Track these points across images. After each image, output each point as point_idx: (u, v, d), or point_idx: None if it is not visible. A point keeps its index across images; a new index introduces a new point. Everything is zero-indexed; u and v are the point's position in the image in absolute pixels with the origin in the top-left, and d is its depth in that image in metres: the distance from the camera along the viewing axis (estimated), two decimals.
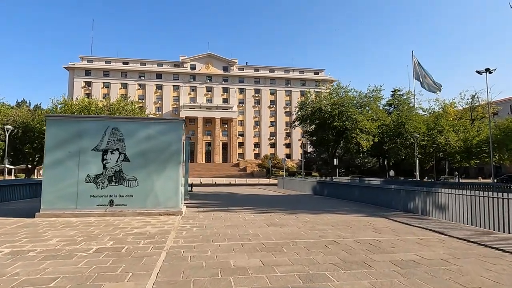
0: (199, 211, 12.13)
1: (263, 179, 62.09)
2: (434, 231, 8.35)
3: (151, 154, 10.88)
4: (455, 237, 7.49)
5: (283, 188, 30.27)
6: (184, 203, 12.87)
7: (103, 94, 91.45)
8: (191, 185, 25.73)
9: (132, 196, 10.54)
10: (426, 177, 46.59)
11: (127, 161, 10.66)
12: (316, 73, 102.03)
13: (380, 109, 40.59)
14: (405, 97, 45.34)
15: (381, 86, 39.36)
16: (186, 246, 6.41)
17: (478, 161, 41.87)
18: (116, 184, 10.48)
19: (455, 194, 9.80)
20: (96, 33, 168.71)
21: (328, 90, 40.12)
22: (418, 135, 33.11)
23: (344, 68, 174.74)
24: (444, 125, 37.90)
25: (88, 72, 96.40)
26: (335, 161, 44.34)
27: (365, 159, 72.74)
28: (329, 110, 38.12)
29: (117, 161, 10.59)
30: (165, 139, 11.06)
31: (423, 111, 43.11)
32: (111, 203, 10.38)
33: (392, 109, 52.47)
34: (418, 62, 51.48)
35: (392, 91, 59.48)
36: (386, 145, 41.02)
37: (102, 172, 10.46)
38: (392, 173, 53.17)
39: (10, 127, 29.96)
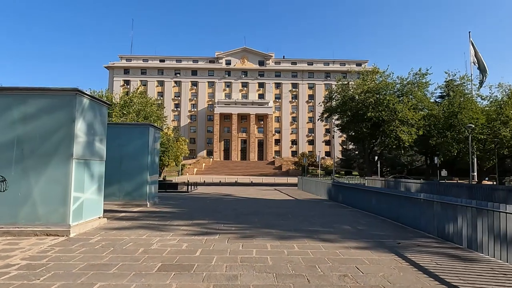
0: (118, 227, 8.27)
1: (284, 178, 57.44)
2: None
3: (28, 143, 7.21)
4: None
5: (301, 190, 25.66)
6: (100, 217, 9.08)
7: (141, 92, 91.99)
8: (187, 184, 22.13)
9: None
10: (486, 178, 38.88)
11: None
12: (358, 64, 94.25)
13: (426, 96, 34.06)
14: (459, 82, 38.03)
15: (427, 70, 33.06)
16: None
17: None
18: None
19: None
20: (135, 32, 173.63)
21: (362, 76, 34.48)
22: (472, 125, 26.52)
23: (389, 59, 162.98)
24: (510, 115, 30.57)
25: (126, 70, 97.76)
26: (375, 159, 38.59)
27: (413, 157, 64.98)
28: (363, 98, 32.67)
29: None
30: (50, 120, 7.32)
31: (481, 98, 35.69)
32: None
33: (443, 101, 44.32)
34: (473, 43, 43.85)
35: (445, 82, 46.64)
36: (434, 139, 34.52)
37: None
38: (444, 173, 45.78)
39: None
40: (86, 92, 7.73)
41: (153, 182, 13.53)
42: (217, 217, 10.00)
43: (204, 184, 37.19)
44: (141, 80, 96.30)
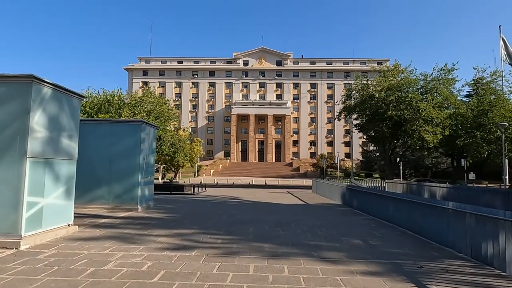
0: (85, 237, 7.10)
1: (301, 180, 55.53)
2: None
3: None
4: None
5: (315, 193, 24.07)
6: (70, 224, 7.97)
7: (159, 93, 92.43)
8: (193, 186, 21.01)
9: None
10: None
11: None
12: (379, 63, 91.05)
13: (453, 93, 31.63)
14: (489, 78, 35.24)
15: (454, 65, 30.70)
16: None
17: None
18: None
19: None
20: (154, 34, 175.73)
21: (382, 72, 32.46)
22: (506, 124, 24.07)
23: (412, 58, 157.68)
24: None
25: (145, 72, 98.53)
26: (397, 160, 36.40)
27: (438, 159, 61.79)
28: (383, 96, 30.67)
29: None
30: (1, 112, 6.24)
31: None
32: None
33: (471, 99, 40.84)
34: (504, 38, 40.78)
35: (473, 80, 41.59)
36: (461, 140, 32.05)
37: None
38: (472, 176, 42.84)
39: None
40: (46, 80, 6.61)
41: (147, 184, 12.41)
42: (208, 226, 8.71)
43: (217, 186, 36.12)
44: (159, 82, 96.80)
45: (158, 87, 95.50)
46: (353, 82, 35.17)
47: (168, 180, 22.89)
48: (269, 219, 10.10)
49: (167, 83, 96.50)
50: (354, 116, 36.25)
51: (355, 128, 36.92)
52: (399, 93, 30.36)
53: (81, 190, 11.69)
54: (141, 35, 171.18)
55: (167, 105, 33.80)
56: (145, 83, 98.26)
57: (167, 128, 31.93)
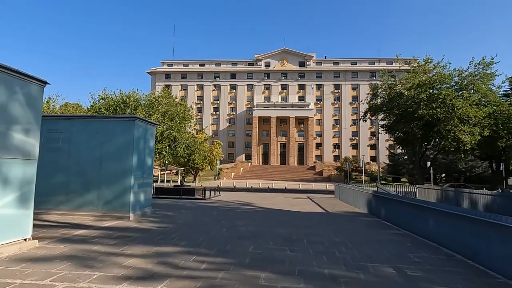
0: (38, 256, 5.63)
1: (324, 184, 52.91)
2: None
3: None
4: None
5: (338, 199, 22.02)
6: (28, 238, 6.59)
7: (181, 96, 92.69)
8: (204, 190, 19.54)
9: None
10: None
11: None
12: (407, 63, 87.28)
13: (492, 90, 28.60)
14: None
15: (492, 59, 27.76)
16: None
17: None
18: None
19: None
20: (177, 37, 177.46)
21: (412, 68, 29.90)
22: None
23: (443, 54, 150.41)
24: None
25: (168, 75, 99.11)
26: (427, 164, 33.62)
27: (473, 162, 57.65)
28: (413, 94, 28.16)
29: None
30: None
31: None
32: None
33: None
34: None
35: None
36: (503, 141, 28.94)
37: None
38: None
39: None
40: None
41: (142, 189, 10.95)
42: (199, 242, 7.07)
43: (234, 189, 34.62)
44: (181, 85, 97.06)
45: (180, 90, 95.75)
46: (379, 80, 32.72)
47: (179, 184, 21.50)
48: (277, 233, 8.34)
49: (189, 86, 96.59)
50: (381, 116, 33.80)
51: (382, 129, 34.41)
52: (431, 91, 27.76)
53: (68, 195, 10.44)
54: (165, 38, 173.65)
55: (183, 105, 32.65)
56: (168, 86, 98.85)
57: (183, 129, 30.73)
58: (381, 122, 35.91)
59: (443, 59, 28.55)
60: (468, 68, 27.92)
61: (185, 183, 25.41)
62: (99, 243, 6.73)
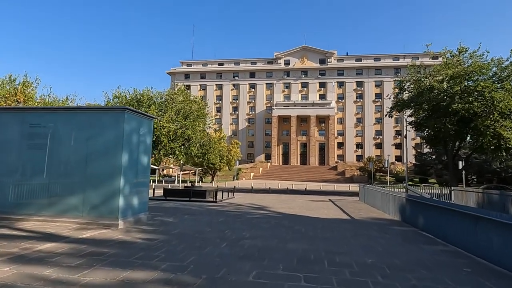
0: None
1: (346, 185, 50.32)
2: None
3: None
4: None
5: (363, 202, 19.94)
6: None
7: (201, 96, 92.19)
8: (215, 192, 18.00)
9: None
10: None
11: None
12: (435, 58, 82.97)
13: None
14: None
15: None
16: None
17: None
18: None
19: None
20: (196, 37, 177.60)
21: (445, 59, 27.31)
22: None
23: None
24: None
25: (187, 75, 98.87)
26: (459, 164, 30.82)
27: (508, 162, 53.66)
28: (445, 87, 25.66)
29: None
30: None
31: None
32: None
33: None
34: None
35: None
36: None
37: None
38: None
39: None
40: None
41: (135, 192, 9.45)
42: (186, 264, 5.43)
43: (251, 190, 32.95)
44: (200, 85, 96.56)
45: (200, 90, 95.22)
46: (406, 74, 30.26)
47: (190, 185, 20.07)
48: (291, 249, 6.60)
49: (208, 86, 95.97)
50: (408, 112, 31.34)
51: (410, 126, 31.88)
52: (467, 83, 25.17)
53: (50, 199, 9.08)
54: (184, 39, 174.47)
55: (197, 103, 31.34)
56: (187, 87, 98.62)
57: (197, 127, 29.42)
58: (409, 119, 33.38)
59: (479, 48, 25.87)
60: (510, 57, 25.12)
61: (197, 184, 24.05)
62: (58, 264, 5.21)
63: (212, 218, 11.24)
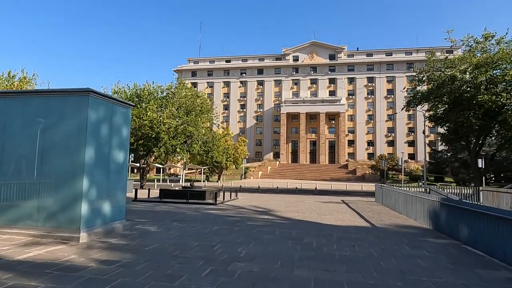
0: None
1: (358, 184, 48.06)
2: None
3: None
4: None
5: (381, 204, 17.86)
6: None
7: (208, 93, 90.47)
8: (215, 193, 16.13)
9: None
10: None
11: None
12: (449, 51, 79.70)
13: None
14: None
15: None
16: None
17: None
18: None
19: None
20: (203, 33, 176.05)
21: (468, 47, 24.92)
22: None
23: None
24: None
25: (194, 73, 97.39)
26: (480, 163, 28.42)
27: None
28: (469, 78, 23.36)
29: None
30: None
31: None
32: None
33: None
34: None
35: None
36: None
37: None
38: None
39: None
40: None
41: (106, 195, 7.62)
42: None
43: (258, 190, 31.05)
44: (207, 82, 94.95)
45: (207, 87, 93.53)
46: (424, 64, 27.96)
47: (189, 185, 18.28)
48: (298, 281, 4.67)
49: (215, 83, 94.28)
50: (426, 106, 29.05)
51: (429, 120, 29.55)
52: (494, 71, 22.83)
53: (0, 205, 7.33)
54: (191, 36, 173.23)
55: (200, 98, 29.51)
56: (194, 84, 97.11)
57: (200, 124, 27.59)
58: (427, 114, 31.03)
59: (507, 33, 23.45)
60: None
61: (202, 184, 22.31)
62: None
63: (205, 226, 9.37)
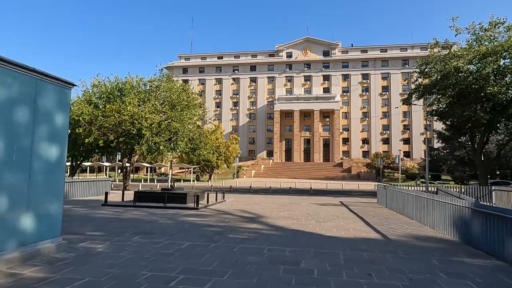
0: None
1: (354, 183, 46.36)
2: None
3: None
4: None
5: (385, 206, 15.91)
6: None
7: (200, 91, 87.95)
8: (197, 196, 14.02)
9: None
10: None
11: None
12: (445, 47, 78.41)
13: None
14: None
15: None
16: None
17: None
18: None
19: None
20: (195, 30, 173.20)
21: (475, 36, 23.09)
22: None
23: None
24: None
25: (185, 70, 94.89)
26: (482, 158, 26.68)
27: None
28: (475, 68, 21.58)
29: None
30: None
31: None
32: None
33: None
34: None
35: None
36: None
37: None
38: None
39: None
40: None
41: (27, 205, 5.52)
42: None
43: (250, 190, 29.01)
44: (199, 79, 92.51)
45: (198, 84, 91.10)
46: (428, 54, 26.15)
47: (170, 187, 16.17)
48: None
49: (207, 80, 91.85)
50: (434, 93, 27.18)
51: (430, 115, 27.76)
52: (504, 61, 21.06)
53: None
54: (183, 32, 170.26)
55: (186, 91, 27.34)
56: (185, 81, 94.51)
57: (186, 119, 25.43)
58: (429, 109, 29.22)
59: None
60: None
61: (183, 185, 20.30)
62: None
63: (173, 241, 7.29)
